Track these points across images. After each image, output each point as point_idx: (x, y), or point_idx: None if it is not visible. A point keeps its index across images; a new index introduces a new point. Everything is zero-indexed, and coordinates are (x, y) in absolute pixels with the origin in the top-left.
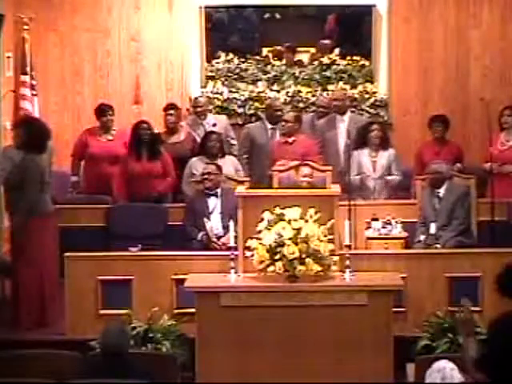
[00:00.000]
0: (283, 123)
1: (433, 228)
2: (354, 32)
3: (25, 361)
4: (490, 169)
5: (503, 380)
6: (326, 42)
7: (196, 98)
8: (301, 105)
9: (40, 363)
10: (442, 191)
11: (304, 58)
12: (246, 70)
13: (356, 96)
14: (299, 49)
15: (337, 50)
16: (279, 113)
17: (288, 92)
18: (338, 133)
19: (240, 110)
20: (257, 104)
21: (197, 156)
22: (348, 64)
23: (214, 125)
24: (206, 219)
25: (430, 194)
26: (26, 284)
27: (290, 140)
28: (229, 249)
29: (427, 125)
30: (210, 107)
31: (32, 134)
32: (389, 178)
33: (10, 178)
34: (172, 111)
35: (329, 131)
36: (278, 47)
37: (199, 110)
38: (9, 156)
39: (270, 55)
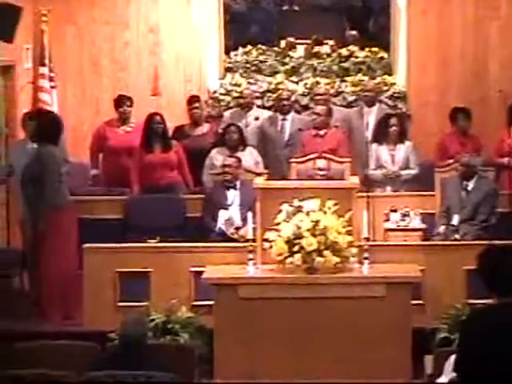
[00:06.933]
0: (314, 116)
1: (456, 219)
2: (372, 24)
3: (44, 352)
4: (507, 163)
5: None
6: (353, 33)
7: (241, 91)
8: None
9: (59, 355)
10: (470, 184)
11: (323, 49)
12: (265, 61)
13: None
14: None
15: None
16: (287, 102)
17: (306, 84)
18: (365, 124)
19: (258, 102)
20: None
21: (217, 148)
22: (367, 56)
23: (257, 118)
24: (222, 211)
25: (458, 185)
26: (45, 276)
27: (322, 133)
28: (247, 241)
29: (449, 116)
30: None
31: (45, 126)
32: (403, 172)
33: (27, 171)
34: (197, 104)
35: (357, 122)
36: (291, 38)
37: (243, 101)
38: (22, 150)
39: (284, 46)
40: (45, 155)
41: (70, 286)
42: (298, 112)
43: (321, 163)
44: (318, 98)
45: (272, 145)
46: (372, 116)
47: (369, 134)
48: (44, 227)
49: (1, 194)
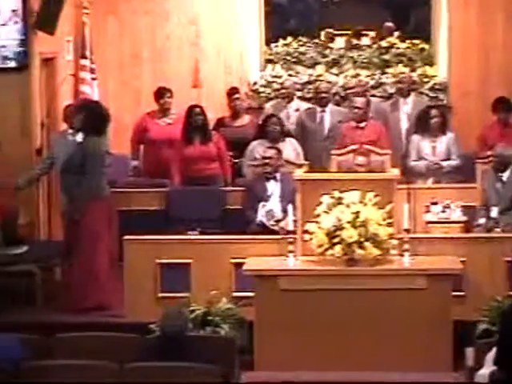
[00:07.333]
0: (355, 110)
1: (494, 212)
2: (413, 15)
3: (85, 343)
4: None
5: None
6: (390, 24)
7: (282, 82)
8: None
9: (100, 346)
10: (505, 175)
11: (363, 41)
12: (305, 53)
13: (415, 79)
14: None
15: (396, 33)
16: (325, 94)
17: (347, 75)
18: (401, 116)
19: (299, 94)
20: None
21: (258, 139)
22: (407, 47)
23: (297, 110)
24: (262, 203)
25: (493, 177)
26: (81, 266)
27: (362, 125)
28: (287, 232)
29: (491, 107)
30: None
31: (92, 117)
32: (445, 163)
33: (69, 161)
34: (237, 95)
35: (392, 114)
36: (330, 30)
37: (285, 91)
38: (63, 141)
39: (324, 38)
40: (90, 146)
41: (106, 276)
42: (337, 104)
43: (360, 159)
44: (349, 91)
45: (311, 136)
46: (407, 107)
47: (404, 126)
48: (79, 217)
49: (42, 186)
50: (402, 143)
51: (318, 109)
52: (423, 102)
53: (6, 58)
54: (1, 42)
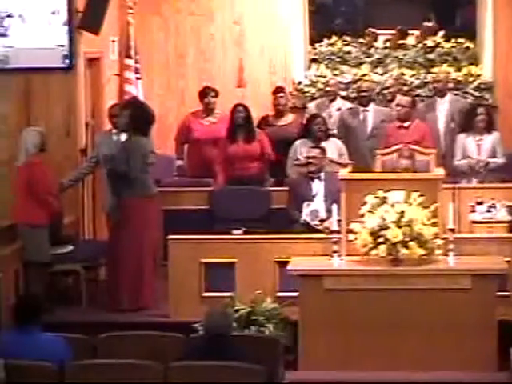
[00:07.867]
0: (398, 108)
1: None
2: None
3: (129, 342)
4: None
5: None
6: (429, 24)
7: (328, 81)
8: (405, 88)
9: (144, 345)
10: None
11: (409, 40)
12: (350, 52)
13: (460, 79)
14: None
15: (441, 33)
16: (365, 94)
17: (392, 75)
18: (438, 116)
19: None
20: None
21: (301, 139)
22: (452, 46)
23: (339, 109)
24: (306, 203)
25: None
26: (125, 266)
27: (406, 124)
28: (332, 232)
29: None
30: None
31: (137, 117)
32: (490, 160)
33: (114, 161)
34: (282, 94)
35: (428, 114)
36: (373, 29)
37: (330, 89)
38: (108, 141)
39: (367, 37)
40: (134, 146)
41: (151, 276)
42: (380, 103)
43: (404, 162)
44: (386, 91)
45: (354, 136)
46: (444, 107)
47: (441, 125)
48: (119, 217)
49: (87, 186)
50: (441, 143)
51: (361, 108)
52: (460, 102)
53: (66, 57)
54: (61, 41)
